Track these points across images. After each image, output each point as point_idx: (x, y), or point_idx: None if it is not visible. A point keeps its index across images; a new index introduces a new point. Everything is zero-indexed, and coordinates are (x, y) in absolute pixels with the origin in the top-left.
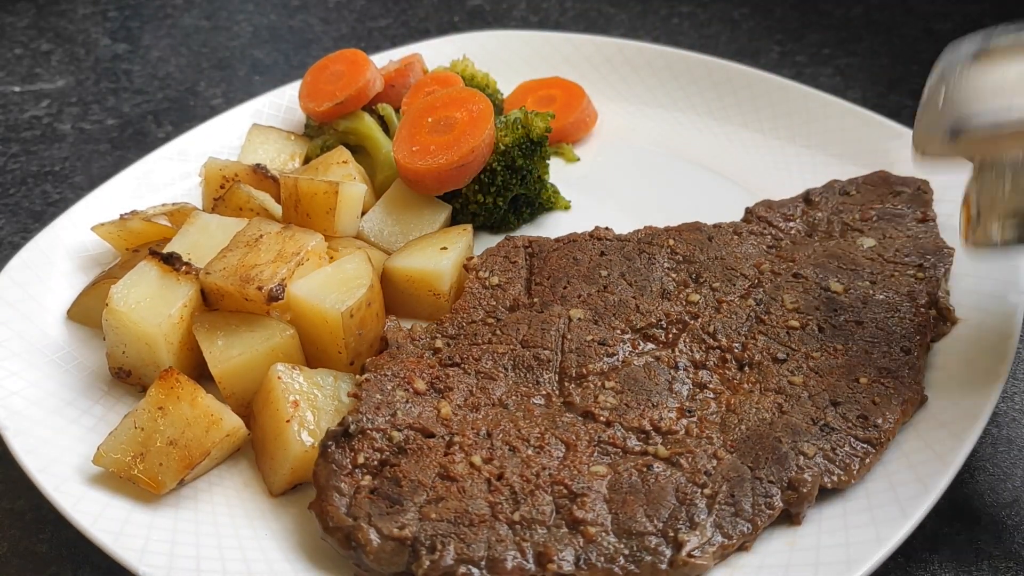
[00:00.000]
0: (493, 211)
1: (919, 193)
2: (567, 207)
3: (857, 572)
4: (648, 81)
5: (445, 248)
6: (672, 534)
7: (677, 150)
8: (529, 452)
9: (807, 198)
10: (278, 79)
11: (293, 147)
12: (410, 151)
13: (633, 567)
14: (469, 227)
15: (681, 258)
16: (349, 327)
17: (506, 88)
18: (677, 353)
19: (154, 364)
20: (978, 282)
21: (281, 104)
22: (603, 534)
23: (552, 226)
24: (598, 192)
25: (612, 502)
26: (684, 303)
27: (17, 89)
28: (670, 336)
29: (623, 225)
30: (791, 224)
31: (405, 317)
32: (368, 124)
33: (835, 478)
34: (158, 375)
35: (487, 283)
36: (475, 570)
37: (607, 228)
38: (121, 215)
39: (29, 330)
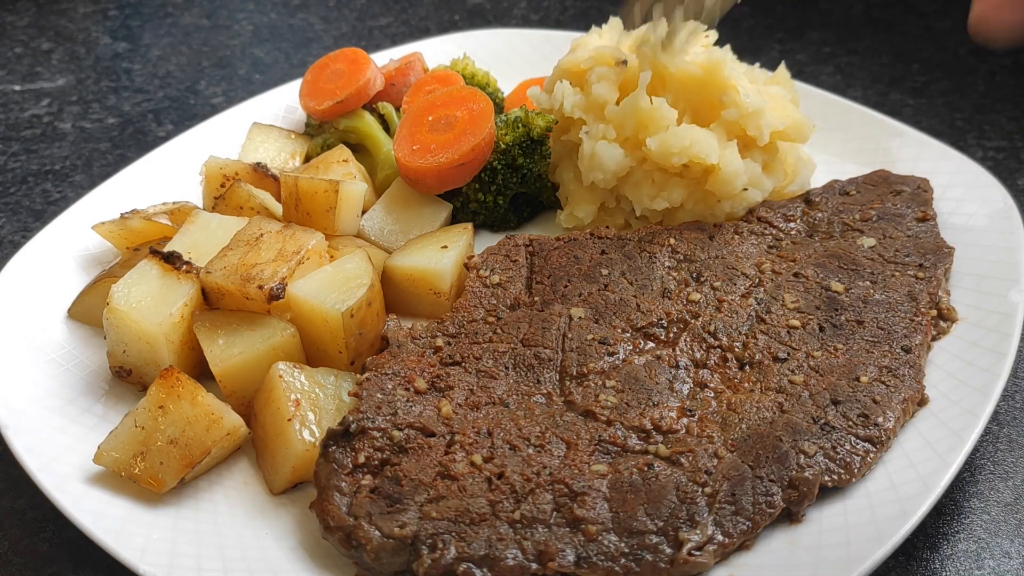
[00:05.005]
0: (494, 210)
1: (919, 192)
2: None
3: (857, 571)
4: None
5: (446, 247)
6: (673, 533)
7: None
8: (530, 451)
9: (807, 199)
10: (279, 78)
11: (293, 146)
12: (410, 150)
13: (634, 566)
14: (469, 226)
15: (682, 257)
16: (349, 327)
17: (506, 87)
18: (678, 352)
19: (155, 363)
20: (978, 281)
21: (281, 103)
22: (604, 533)
23: (553, 225)
24: None
25: (613, 501)
26: (685, 302)
27: (17, 88)
28: (671, 335)
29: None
30: (791, 224)
31: (406, 316)
32: (368, 123)
33: (836, 477)
34: (159, 374)
35: (488, 282)
36: (476, 568)
37: (607, 227)
38: (122, 214)
39: (30, 329)
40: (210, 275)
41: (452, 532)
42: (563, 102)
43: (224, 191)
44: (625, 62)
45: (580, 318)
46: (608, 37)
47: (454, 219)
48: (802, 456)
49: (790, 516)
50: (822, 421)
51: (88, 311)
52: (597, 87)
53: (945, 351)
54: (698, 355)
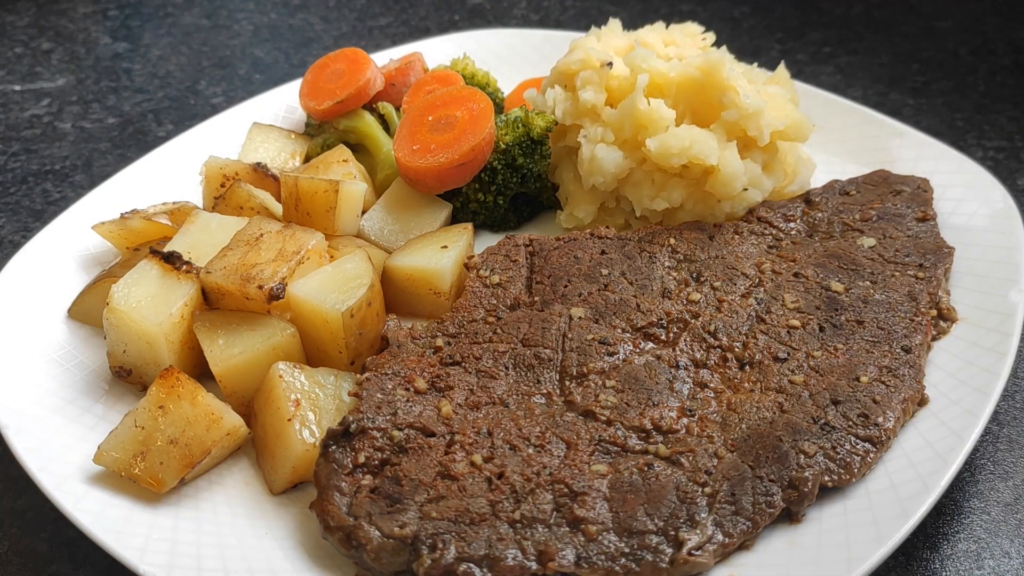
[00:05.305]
0: (493, 210)
1: (919, 192)
2: None
3: (857, 571)
4: None
5: (446, 247)
6: (673, 533)
7: None
8: (530, 451)
9: (807, 199)
10: (279, 78)
11: (293, 146)
12: (410, 150)
13: (634, 566)
14: (469, 226)
15: (682, 257)
16: (349, 327)
17: (506, 87)
18: (678, 352)
19: (155, 363)
20: (978, 281)
21: (282, 103)
22: (604, 533)
23: (553, 225)
24: None
25: (613, 501)
26: (685, 302)
27: (18, 88)
28: (671, 335)
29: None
30: (791, 224)
31: (406, 316)
32: (368, 123)
33: (836, 477)
34: (159, 374)
35: (488, 282)
36: (476, 568)
37: (608, 227)
38: (122, 214)
39: (30, 329)
40: (210, 275)
41: (452, 532)
42: (555, 108)
43: (224, 191)
44: (610, 64)
45: (580, 318)
46: (605, 39)
47: (454, 219)
48: (802, 456)
49: (790, 516)
50: (822, 421)
51: (88, 311)
52: (584, 92)
53: (945, 351)
54: (698, 355)
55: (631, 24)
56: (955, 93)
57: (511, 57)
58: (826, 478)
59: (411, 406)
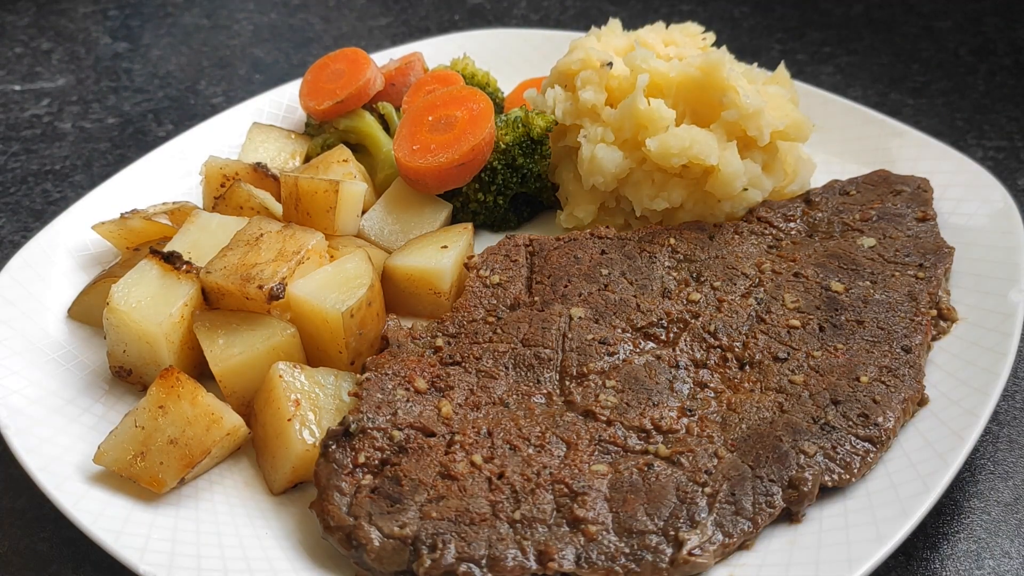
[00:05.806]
0: (493, 210)
1: (919, 192)
2: None
3: (858, 571)
4: None
5: (446, 247)
6: (673, 533)
7: None
8: (530, 451)
9: (807, 199)
10: (278, 78)
11: (294, 146)
12: (411, 150)
13: (634, 566)
14: (469, 226)
15: (682, 257)
16: (350, 327)
17: (506, 87)
18: (678, 352)
19: (155, 363)
20: (978, 281)
21: (282, 103)
22: (604, 533)
23: (553, 225)
24: None
25: (613, 501)
26: (685, 302)
27: (18, 88)
28: (671, 335)
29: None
30: (791, 224)
31: (406, 316)
32: (369, 123)
33: (836, 477)
34: (159, 374)
35: (488, 282)
36: (476, 568)
37: (608, 227)
38: (122, 214)
39: (30, 329)
40: (210, 275)
41: (452, 532)
42: (555, 108)
43: (224, 191)
44: (610, 64)
45: (580, 318)
46: (605, 39)
47: (454, 219)
48: (802, 456)
49: (790, 516)
50: (822, 421)
51: (88, 311)
52: (584, 92)
53: (945, 351)
54: (698, 355)
55: (631, 24)
56: (955, 93)
57: (511, 57)
58: (826, 478)
59: (411, 406)
